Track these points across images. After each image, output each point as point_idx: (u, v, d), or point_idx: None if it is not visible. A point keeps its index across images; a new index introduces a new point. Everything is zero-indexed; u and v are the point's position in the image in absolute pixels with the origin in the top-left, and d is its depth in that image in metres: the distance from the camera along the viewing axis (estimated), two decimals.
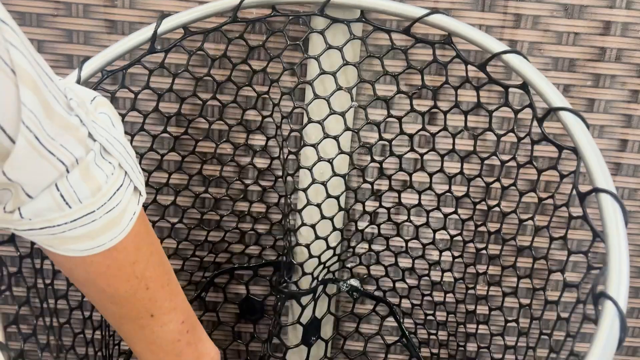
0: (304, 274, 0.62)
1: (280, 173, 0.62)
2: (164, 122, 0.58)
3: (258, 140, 0.62)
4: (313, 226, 0.60)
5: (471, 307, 0.59)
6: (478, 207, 0.58)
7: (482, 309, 0.58)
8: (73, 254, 0.34)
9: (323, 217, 0.60)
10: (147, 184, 0.60)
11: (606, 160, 0.60)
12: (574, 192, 0.44)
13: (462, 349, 0.59)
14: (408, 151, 0.60)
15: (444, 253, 0.62)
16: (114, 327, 0.42)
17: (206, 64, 0.58)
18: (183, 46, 0.54)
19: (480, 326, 0.57)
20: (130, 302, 0.37)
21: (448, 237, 0.61)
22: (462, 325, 0.60)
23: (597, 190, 0.42)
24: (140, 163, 0.59)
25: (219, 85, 0.59)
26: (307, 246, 0.61)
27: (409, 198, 0.62)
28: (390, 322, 0.67)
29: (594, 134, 0.61)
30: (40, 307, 0.47)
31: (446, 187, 0.59)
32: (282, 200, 0.63)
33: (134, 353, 0.42)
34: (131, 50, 0.51)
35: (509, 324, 0.54)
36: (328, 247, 0.62)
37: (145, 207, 0.60)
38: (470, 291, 0.59)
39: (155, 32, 0.51)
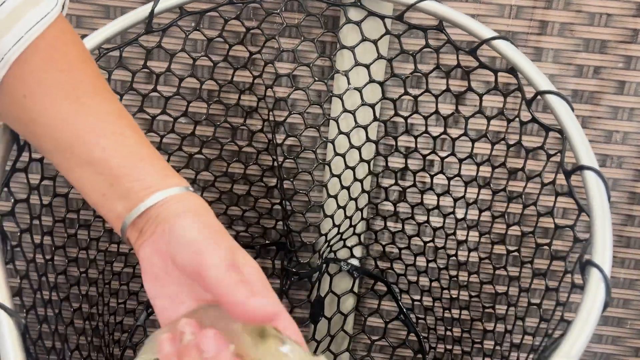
0: (314, 252, 0.64)
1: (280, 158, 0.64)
2: (162, 104, 0.59)
3: (256, 124, 0.64)
4: (344, 207, 0.63)
5: (464, 281, 0.62)
6: (469, 187, 0.60)
7: (474, 281, 0.60)
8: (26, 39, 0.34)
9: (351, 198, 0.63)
10: None
11: (635, 144, 0.63)
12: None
13: (457, 321, 0.62)
14: (401, 133, 0.63)
15: (437, 232, 0.64)
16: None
17: (202, 46, 0.59)
18: (180, 26, 0.56)
19: (473, 299, 0.60)
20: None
21: (441, 216, 0.63)
22: (455, 300, 0.63)
23: (582, 167, 0.44)
24: None
25: (215, 66, 0.60)
26: (339, 226, 0.63)
27: (407, 181, 0.65)
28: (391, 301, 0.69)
29: (624, 117, 0.62)
30: (38, 281, 0.48)
31: (438, 170, 0.62)
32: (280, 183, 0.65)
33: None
34: (127, 29, 0.52)
35: (499, 296, 0.57)
36: (334, 226, 0.64)
37: None
38: (462, 266, 0.62)
39: (152, 10, 0.52)
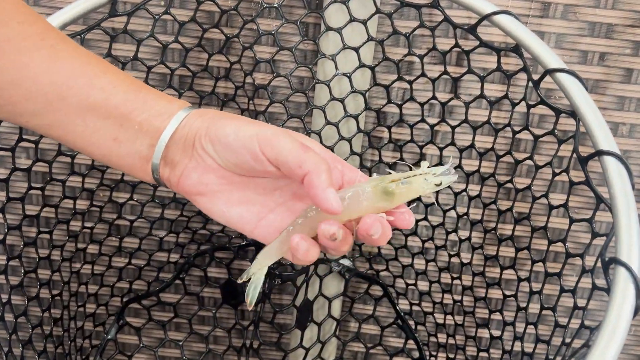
0: None
1: None
2: None
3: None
4: None
5: (468, 284, 0.56)
6: (471, 178, 0.55)
7: (479, 283, 0.55)
8: None
9: None
10: None
11: None
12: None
13: (461, 326, 0.57)
14: (395, 123, 0.57)
15: (437, 230, 0.59)
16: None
17: (173, 29, 0.55)
18: (148, 9, 0.50)
19: (478, 303, 0.55)
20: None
21: (441, 212, 0.58)
22: (459, 304, 0.57)
23: (600, 152, 0.39)
24: None
25: (188, 52, 0.55)
26: None
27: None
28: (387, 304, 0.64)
29: (630, 108, 0.57)
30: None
31: (437, 159, 0.57)
32: None
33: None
34: (89, 13, 0.47)
35: (507, 299, 0.51)
36: None
37: (112, 186, 0.57)
38: (466, 267, 0.57)
39: None
